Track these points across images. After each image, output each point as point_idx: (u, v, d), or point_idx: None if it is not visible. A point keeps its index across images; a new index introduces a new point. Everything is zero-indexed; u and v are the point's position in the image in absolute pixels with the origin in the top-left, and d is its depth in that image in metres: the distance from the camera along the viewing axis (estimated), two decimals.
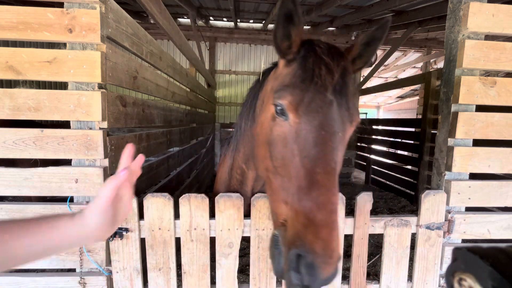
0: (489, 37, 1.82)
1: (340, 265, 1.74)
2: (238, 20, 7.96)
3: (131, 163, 0.84)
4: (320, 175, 0.93)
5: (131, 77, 1.84)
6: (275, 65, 1.45)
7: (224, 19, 8.11)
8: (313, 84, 1.03)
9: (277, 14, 1.07)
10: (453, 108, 1.83)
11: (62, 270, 1.74)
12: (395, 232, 1.76)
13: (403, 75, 11.67)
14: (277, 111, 1.06)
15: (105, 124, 1.54)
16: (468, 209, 1.92)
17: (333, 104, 1.03)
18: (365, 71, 9.60)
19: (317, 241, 0.83)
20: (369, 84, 10.74)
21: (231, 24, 8.28)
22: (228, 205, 1.61)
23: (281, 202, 1.01)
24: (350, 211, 1.74)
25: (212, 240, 1.67)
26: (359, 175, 8.44)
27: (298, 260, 0.84)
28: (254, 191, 1.74)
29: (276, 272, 0.98)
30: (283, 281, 1.74)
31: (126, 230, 1.58)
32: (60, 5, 1.46)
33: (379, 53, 8.57)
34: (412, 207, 5.27)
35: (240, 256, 1.72)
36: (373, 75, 8.03)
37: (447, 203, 1.82)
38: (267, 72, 1.50)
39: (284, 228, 0.94)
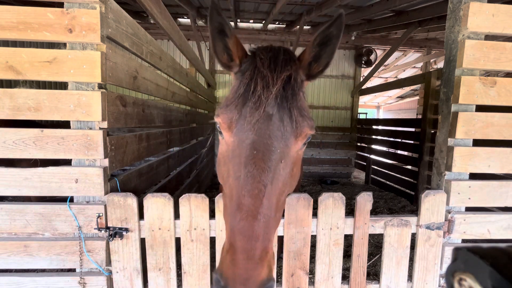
0: (489, 37, 1.82)
1: (341, 264, 1.75)
2: (238, 20, 7.96)
3: None
4: (245, 199, 0.89)
5: (131, 77, 1.84)
6: None
7: None
8: (247, 100, 1.00)
9: (209, 29, 1.07)
10: (453, 108, 1.83)
11: (62, 270, 1.74)
12: (395, 232, 1.76)
13: (403, 75, 11.66)
14: (217, 129, 1.07)
15: (105, 124, 1.54)
16: (468, 209, 1.92)
17: (270, 120, 0.98)
18: (365, 71, 9.60)
19: (229, 269, 0.81)
20: (369, 84, 10.74)
21: (231, 24, 8.29)
22: None
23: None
24: (350, 211, 1.74)
25: (212, 240, 1.67)
26: (359, 175, 8.44)
27: (217, 284, 0.84)
28: None
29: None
30: (283, 281, 1.74)
31: (126, 230, 1.58)
32: (60, 5, 1.46)
33: (379, 53, 8.57)
34: (412, 207, 5.27)
35: None
36: (373, 75, 8.02)
37: (447, 203, 1.82)
38: None
39: None
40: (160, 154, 3.03)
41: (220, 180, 1.13)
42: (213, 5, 1.03)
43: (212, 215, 1.63)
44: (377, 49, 8.35)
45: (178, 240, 1.64)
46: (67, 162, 1.59)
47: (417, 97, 9.23)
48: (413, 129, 5.84)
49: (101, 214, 1.56)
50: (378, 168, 6.90)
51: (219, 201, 1.61)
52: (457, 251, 0.50)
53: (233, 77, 1.20)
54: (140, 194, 1.86)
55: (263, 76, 1.02)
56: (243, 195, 0.89)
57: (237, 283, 0.80)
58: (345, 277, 1.88)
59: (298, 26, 7.05)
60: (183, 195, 1.59)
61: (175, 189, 3.10)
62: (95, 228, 1.56)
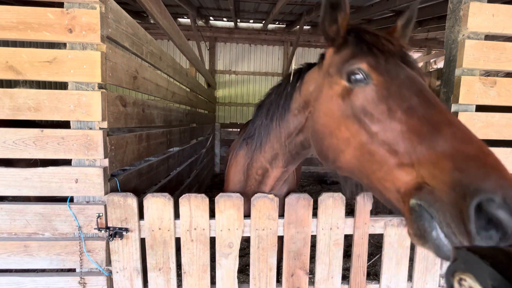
0: (489, 37, 1.82)
1: (341, 264, 1.75)
2: (238, 20, 7.97)
3: None
4: (438, 115, 0.83)
5: (131, 77, 1.85)
6: (309, 65, 1.45)
7: (224, 19, 8.12)
8: (380, 50, 1.01)
9: (322, 3, 1.10)
10: (453, 108, 1.83)
11: (62, 270, 1.74)
12: (395, 232, 1.76)
13: None
14: (353, 80, 1.01)
15: (105, 124, 1.54)
16: None
17: (408, 65, 1.01)
18: None
19: (491, 175, 0.65)
20: None
21: (231, 24, 8.30)
22: (228, 205, 1.61)
23: (401, 169, 0.84)
24: (350, 211, 1.74)
25: (212, 240, 1.67)
26: None
27: (479, 212, 0.64)
28: (273, 191, 1.74)
29: (441, 251, 0.73)
30: (283, 281, 1.74)
31: (126, 230, 1.58)
32: (60, 5, 1.46)
33: None
34: None
35: (240, 256, 1.72)
36: None
37: None
38: (299, 73, 1.47)
39: (431, 193, 0.73)
40: (160, 154, 3.03)
41: (355, 144, 1.00)
42: None
43: (212, 215, 1.63)
44: None
45: (178, 240, 1.64)
46: (66, 162, 1.59)
47: None
48: None
49: (101, 214, 1.56)
50: None
51: (219, 201, 1.61)
52: (457, 250, 0.50)
53: (331, 53, 1.18)
54: (140, 194, 1.86)
55: (382, 36, 1.09)
56: (433, 113, 0.87)
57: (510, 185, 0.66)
58: (345, 277, 1.88)
59: (298, 26, 7.05)
60: (183, 195, 1.59)
61: (175, 189, 3.10)
62: (95, 228, 1.56)
